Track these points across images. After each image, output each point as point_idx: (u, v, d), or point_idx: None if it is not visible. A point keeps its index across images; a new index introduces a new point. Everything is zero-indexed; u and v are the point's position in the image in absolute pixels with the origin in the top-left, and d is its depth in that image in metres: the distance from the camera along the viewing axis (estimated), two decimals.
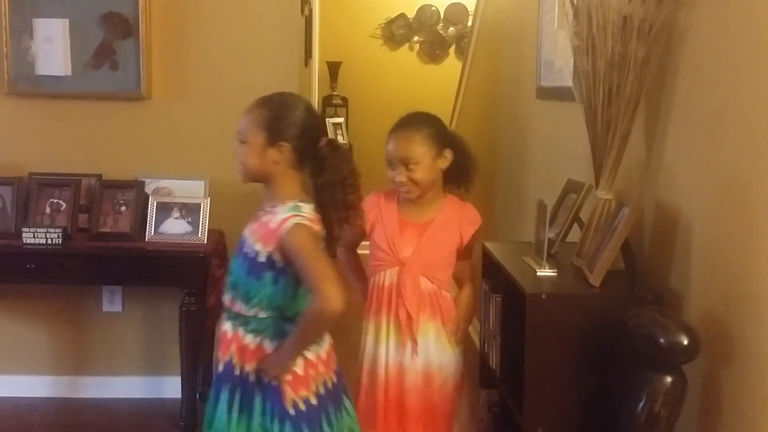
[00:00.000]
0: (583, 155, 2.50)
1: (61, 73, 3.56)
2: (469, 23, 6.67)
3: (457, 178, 2.51)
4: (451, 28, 7.09)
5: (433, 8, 7.07)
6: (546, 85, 3.34)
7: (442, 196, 2.50)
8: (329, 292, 1.93)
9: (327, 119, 6.89)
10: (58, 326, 3.77)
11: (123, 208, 3.43)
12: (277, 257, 2.03)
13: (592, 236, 2.33)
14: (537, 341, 2.12)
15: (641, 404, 1.86)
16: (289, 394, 2.05)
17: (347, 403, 2.22)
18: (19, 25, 3.52)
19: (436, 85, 6.92)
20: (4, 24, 3.51)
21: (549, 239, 2.36)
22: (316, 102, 5.82)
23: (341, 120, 6.93)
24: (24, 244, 3.28)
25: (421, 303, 2.43)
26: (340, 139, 6.93)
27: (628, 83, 2.19)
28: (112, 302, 3.74)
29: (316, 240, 2.05)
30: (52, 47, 3.54)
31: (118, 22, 3.53)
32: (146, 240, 3.40)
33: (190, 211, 3.45)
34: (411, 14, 7.06)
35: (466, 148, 2.51)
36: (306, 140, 2.11)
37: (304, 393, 2.07)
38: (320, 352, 2.12)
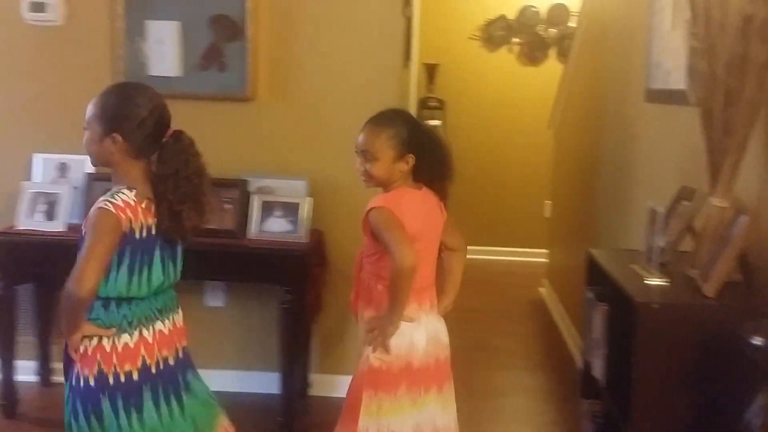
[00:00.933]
0: (696, 161, 2.41)
1: (172, 74, 3.67)
2: (571, 24, 6.56)
3: (428, 179, 2.45)
4: (552, 30, 6.97)
5: (534, 9, 6.97)
6: (655, 87, 3.24)
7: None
8: (82, 275, 2.00)
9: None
10: None
11: (227, 206, 3.51)
12: None
13: (707, 245, 2.24)
14: (646, 352, 2.05)
15: (756, 420, 1.78)
16: (76, 367, 2.14)
17: (151, 405, 2.16)
18: (133, 27, 3.66)
19: (535, 87, 6.83)
20: (119, 26, 3.65)
21: (660, 248, 2.29)
22: (413, 104, 5.82)
23: (438, 123, 6.91)
24: None
25: (359, 291, 2.47)
26: None
27: (749, 87, 2.10)
28: (215, 297, 3.84)
29: (110, 225, 2.05)
30: (164, 49, 3.66)
31: (226, 25, 3.62)
32: (248, 237, 3.47)
33: (291, 210, 3.51)
34: (511, 16, 6.98)
35: (438, 155, 2.45)
36: (142, 132, 2.13)
37: (86, 371, 2.11)
38: (117, 343, 2.12)
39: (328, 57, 3.71)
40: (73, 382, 2.15)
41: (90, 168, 3.62)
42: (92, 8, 3.69)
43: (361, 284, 2.45)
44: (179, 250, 2.28)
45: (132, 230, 2.10)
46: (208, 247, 3.40)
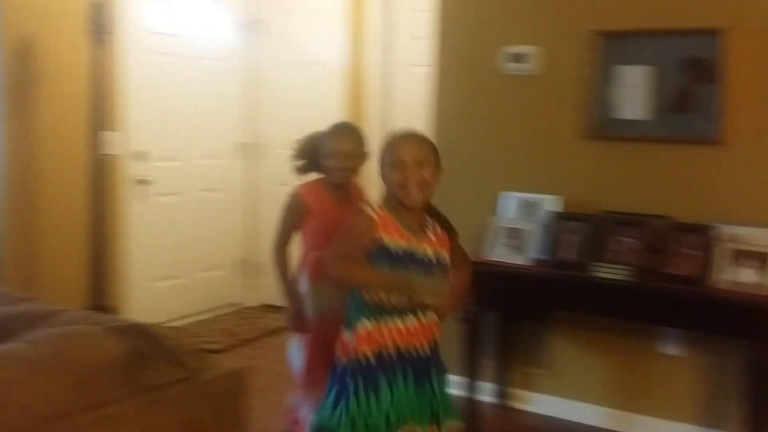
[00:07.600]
0: None
1: (640, 118, 3.69)
2: None
3: None
4: None
5: None
6: None
7: None
8: None
9: None
10: (615, 360, 3.90)
11: (691, 252, 3.40)
12: None
13: None
14: None
15: None
16: None
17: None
18: (604, 74, 3.76)
19: None
20: (591, 73, 3.79)
21: None
22: None
23: None
24: (593, 277, 3.48)
25: None
26: None
27: None
28: (668, 345, 3.73)
29: None
30: (635, 93, 3.70)
31: (699, 67, 3.54)
32: (713, 286, 3.31)
33: (760, 260, 3.28)
34: None
35: None
36: None
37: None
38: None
39: None
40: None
41: (553, 206, 3.81)
42: (568, 58, 3.88)
43: None
44: None
45: None
46: (670, 293, 3.34)
